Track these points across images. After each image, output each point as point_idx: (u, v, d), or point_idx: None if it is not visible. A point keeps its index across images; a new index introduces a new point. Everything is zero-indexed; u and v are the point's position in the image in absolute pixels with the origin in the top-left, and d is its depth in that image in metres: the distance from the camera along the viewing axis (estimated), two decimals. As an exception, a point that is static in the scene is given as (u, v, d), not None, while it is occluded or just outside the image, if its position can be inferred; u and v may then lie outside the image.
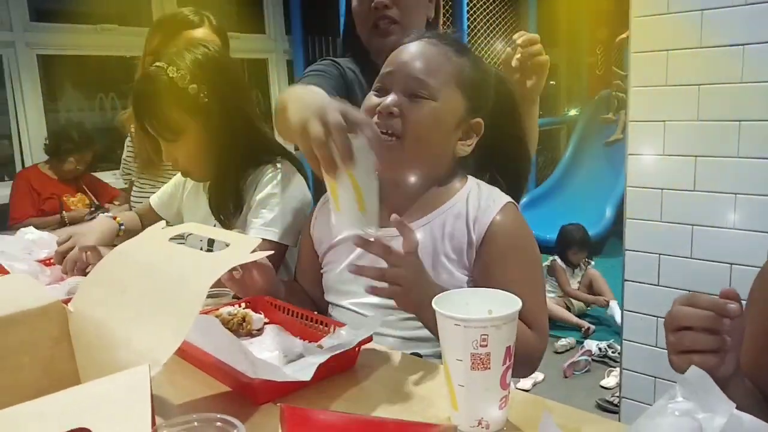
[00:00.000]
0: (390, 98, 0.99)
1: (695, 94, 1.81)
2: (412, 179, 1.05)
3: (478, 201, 1.04)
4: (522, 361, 0.96)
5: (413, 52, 1.03)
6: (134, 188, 1.76)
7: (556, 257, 3.74)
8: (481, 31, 4.77)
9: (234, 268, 1.08)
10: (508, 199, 1.06)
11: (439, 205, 1.06)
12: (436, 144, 1.03)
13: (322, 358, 0.78)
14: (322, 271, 1.17)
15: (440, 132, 1.02)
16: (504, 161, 1.15)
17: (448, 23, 4.28)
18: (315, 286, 1.19)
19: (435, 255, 1.02)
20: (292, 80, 4.43)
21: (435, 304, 0.70)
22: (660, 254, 1.94)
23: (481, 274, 1.02)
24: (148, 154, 1.68)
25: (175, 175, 1.65)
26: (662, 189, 1.91)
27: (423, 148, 1.01)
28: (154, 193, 1.65)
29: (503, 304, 0.70)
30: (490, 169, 1.15)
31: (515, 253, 1.01)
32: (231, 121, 1.31)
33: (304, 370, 0.75)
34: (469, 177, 1.10)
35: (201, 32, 1.68)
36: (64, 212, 3.06)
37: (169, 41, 1.63)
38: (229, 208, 1.34)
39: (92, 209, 3.07)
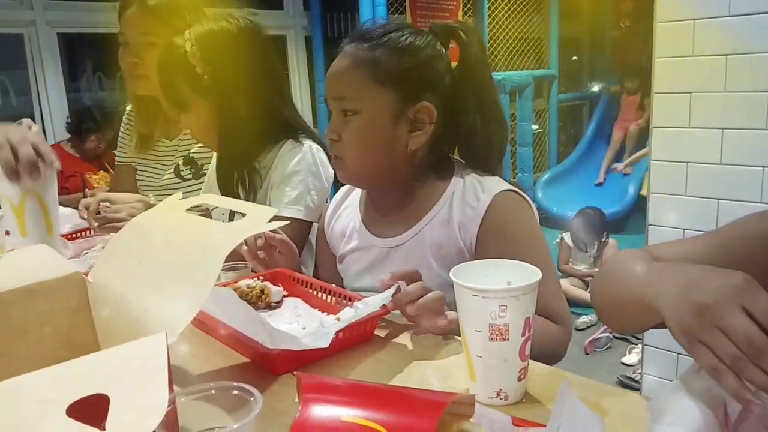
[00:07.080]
0: (330, 125, 1.03)
1: (722, 64, 1.76)
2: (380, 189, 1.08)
3: (463, 202, 1.00)
4: (551, 354, 0.94)
5: (334, 70, 1.02)
6: (138, 174, 1.72)
7: (563, 235, 3.68)
8: (502, 6, 4.67)
9: (259, 248, 1.09)
10: (496, 190, 0.99)
11: (426, 212, 1.03)
12: (377, 152, 1.01)
13: (340, 327, 0.79)
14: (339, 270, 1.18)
15: (375, 140, 1.00)
16: (465, 135, 1.04)
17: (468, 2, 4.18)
18: (336, 280, 1.18)
19: (427, 267, 1.00)
20: (310, 57, 4.38)
21: (453, 275, 0.69)
22: (684, 229, 1.90)
23: None
24: (148, 130, 1.66)
25: (171, 152, 1.63)
26: (687, 162, 1.87)
27: (365, 162, 1.02)
28: (159, 178, 1.64)
29: (523, 275, 0.68)
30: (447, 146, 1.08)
31: (516, 249, 0.92)
32: (233, 102, 1.27)
33: (321, 339, 0.75)
34: (455, 173, 1.04)
35: None
36: (86, 190, 3.09)
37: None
38: (236, 192, 1.32)
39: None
